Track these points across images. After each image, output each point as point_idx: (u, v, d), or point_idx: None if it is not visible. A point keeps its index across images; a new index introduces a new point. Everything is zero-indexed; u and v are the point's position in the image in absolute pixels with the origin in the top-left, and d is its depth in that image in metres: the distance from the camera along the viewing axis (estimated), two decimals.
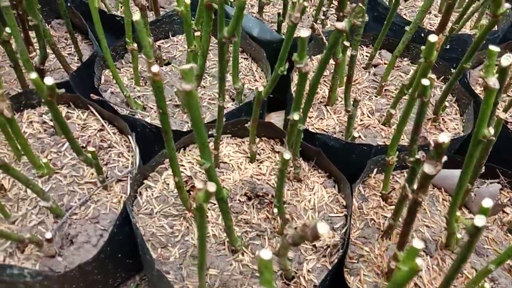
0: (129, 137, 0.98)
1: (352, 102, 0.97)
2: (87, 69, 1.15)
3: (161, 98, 0.63)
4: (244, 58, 1.26)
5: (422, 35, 1.29)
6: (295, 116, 0.62)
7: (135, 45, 1.07)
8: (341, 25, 0.63)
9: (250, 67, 1.24)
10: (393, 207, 0.96)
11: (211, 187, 0.46)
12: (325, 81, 1.18)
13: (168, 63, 1.24)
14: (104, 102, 1.06)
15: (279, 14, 1.26)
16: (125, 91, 1.06)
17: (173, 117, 1.10)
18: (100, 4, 1.44)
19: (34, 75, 0.58)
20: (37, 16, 0.97)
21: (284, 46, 0.71)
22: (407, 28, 1.00)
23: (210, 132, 0.96)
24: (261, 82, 1.20)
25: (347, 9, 0.83)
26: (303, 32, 0.63)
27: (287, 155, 0.58)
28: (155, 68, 0.58)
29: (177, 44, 1.29)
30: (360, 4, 0.69)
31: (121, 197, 0.93)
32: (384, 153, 0.98)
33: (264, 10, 1.38)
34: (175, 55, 1.26)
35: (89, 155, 0.84)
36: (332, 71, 1.22)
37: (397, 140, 0.84)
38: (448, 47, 1.24)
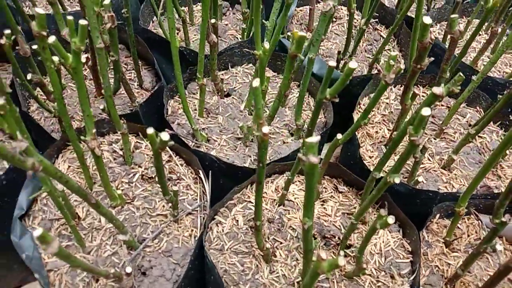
0: (200, 171, 1.01)
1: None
2: (153, 99, 1.19)
3: (264, 153, 0.66)
4: None
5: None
6: (396, 180, 0.63)
7: (205, 80, 1.11)
8: (438, 90, 0.65)
9: (308, 101, 1.27)
10: (455, 254, 0.97)
11: (341, 261, 0.47)
12: (384, 120, 1.20)
13: (228, 95, 1.28)
14: (173, 134, 1.09)
15: (339, 52, 1.28)
16: (193, 124, 1.09)
17: (235, 150, 1.13)
18: (157, 30, 1.50)
19: (150, 130, 0.61)
20: (118, 52, 1.01)
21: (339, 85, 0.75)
22: (474, 78, 1.02)
23: (286, 175, 0.99)
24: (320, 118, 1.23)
25: (424, 62, 0.86)
26: (352, 63, 0.67)
27: (391, 220, 0.60)
28: (265, 129, 0.61)
29: (236, 76, 1.33)
30: (461, 74, 0.71)
31: (192, 230, 0.95)
32: (448, 200, 1.00)
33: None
34: (234, 87, 1.29)
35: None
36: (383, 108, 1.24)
37: (471, 192, 0.85)
38: None
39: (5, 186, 1.00)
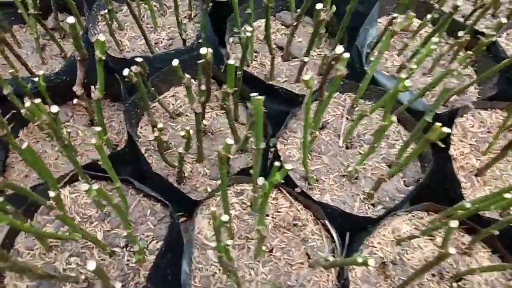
0: (326, 222, 1.14)
1: None
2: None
3: None
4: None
5: None
6: None
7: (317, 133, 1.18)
8: None
9: (398, 129, 1.37)
10: None
11: None
12: (472, 150, 1.32)
13: (322, 127, 1.36)
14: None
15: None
16: (309, 172, 1.19)
17: (343, 189, 1.25)
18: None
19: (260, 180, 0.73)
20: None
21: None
22: None
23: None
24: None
25: None
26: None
27: None
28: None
29: (328, 108, 1.39)
30: None
31: (328, 275, 1.11)
32: None
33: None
34: (327, 119, 1.37)
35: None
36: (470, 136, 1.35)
37: None
38: None
39: None
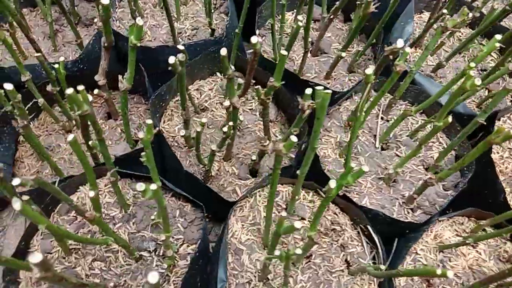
0: (368, 227, 1.07)
1: None
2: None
3: None
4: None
5: None
6: None
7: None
8: None
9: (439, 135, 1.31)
10: None
11: None
12: (511, 154, 1.27)
13: None
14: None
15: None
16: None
17: (381, 192, 1.18)
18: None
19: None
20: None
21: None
22: None
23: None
24: None
25: None
26: None
27: None
28: None
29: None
30: None
31: (370, 283, 1.04)
32: None
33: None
34: None
35: None
36: None
37: None
38: None
39: None
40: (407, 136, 1.28)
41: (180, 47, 0.87)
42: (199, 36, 1.42)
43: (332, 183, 0.67)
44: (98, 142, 0.78)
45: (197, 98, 1.34)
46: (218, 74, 1.42)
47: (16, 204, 0.59)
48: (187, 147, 1.26)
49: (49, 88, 1.03)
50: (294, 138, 0.71)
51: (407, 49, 0.88)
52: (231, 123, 0.93)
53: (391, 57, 0.93)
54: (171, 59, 0.83)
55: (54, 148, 1.26)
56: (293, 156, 1.19)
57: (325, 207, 0.77)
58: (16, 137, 1.28)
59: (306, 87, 1.35)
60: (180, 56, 0.82)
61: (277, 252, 0.69)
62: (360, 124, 0.92)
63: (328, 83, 1.39)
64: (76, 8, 1.47)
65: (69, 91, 0.67)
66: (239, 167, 1.24)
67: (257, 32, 1.42)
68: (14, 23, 1.22)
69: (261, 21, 1.51)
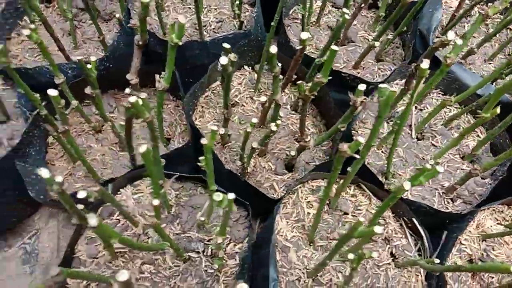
0: (414, 219, 1.07)
1: None
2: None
3: None
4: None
5: None
6: None
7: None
8: None
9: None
10: None
11: None
12: None
13: (390, 118, 1.28)
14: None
15: None
16: (390, 167, 1.11)
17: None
18: None
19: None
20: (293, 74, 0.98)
21: None
22: None
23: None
24: None
25: None
26: None
27: None
28: None
29: None
30: None
31: (416, 275, 1.05)
32: None
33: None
34: (396, 109, 1.29)
35: None
36: None
37: None
38: None
39: None
40: (441, 125, 1.27)
41: (226, 45, 0.85)
42: (224, 28, 1.38)
43: (407, 185, 0.66)
44: (152, 148, 0.76)
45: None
46: (245, 67, 1.39)
47: (93, 221, 0.58)
48: (220, 144, 1.24)
49: (87, 90, 1.00)
50: (361, 139, 0.70)
51: (459, 41, 0.86)
52: (279, 121, 0.91)
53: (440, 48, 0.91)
54: (223, 60, 0.80)
55: (85, 150, 1.24)
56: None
57: (389, 205, 0.77)
58: (45, 138, 1.25)
59: (337, 78, 1.34)
60: (232, 56, 0.79)
61: (350, 256, 0.68)
62: (406, 118, 0.91)
63: (358, 73, 1.37)
64: (95, 2, 1.43)
65: (132, 99, 0.64)
66: (275, 163, 1.22)
67: (284, 22, 1.39)
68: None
69: (285, 10, 1.48)
